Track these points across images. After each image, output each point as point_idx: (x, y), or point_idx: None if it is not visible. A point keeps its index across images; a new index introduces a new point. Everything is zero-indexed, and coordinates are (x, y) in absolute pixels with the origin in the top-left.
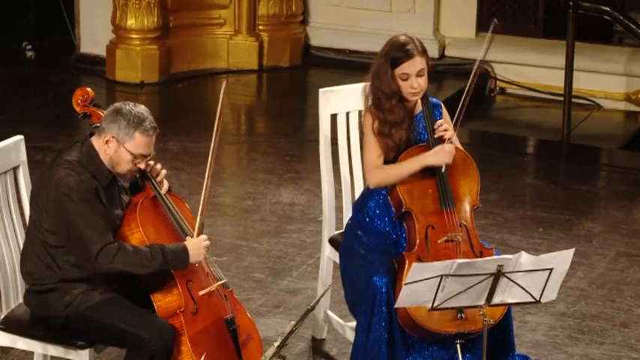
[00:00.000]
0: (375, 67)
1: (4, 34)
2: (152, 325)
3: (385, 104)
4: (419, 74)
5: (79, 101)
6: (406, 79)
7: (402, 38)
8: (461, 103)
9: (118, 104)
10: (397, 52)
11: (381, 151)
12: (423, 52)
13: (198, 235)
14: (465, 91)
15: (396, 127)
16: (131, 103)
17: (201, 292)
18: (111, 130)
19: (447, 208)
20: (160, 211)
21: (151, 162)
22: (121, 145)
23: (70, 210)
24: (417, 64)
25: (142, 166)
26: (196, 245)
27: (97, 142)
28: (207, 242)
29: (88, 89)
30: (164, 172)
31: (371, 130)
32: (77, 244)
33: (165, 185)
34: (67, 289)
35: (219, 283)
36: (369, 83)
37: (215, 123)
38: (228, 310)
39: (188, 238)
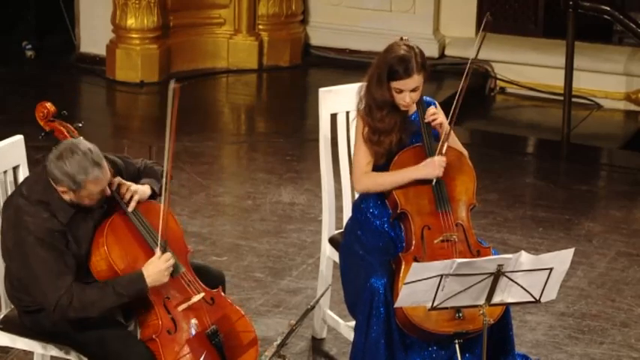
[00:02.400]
0: (371, 74)
1: (4, 34)
2: (132, 354)
3: (376, 114)
4: (413, 90)
5: (41, 117)
6: (399, 93)
7: (404, 51)
8: (455, 100)
9: (57, 152)
10: (397, 65)
11: (370, 157)
12: (422, 68)
13: (164, 250)
14: (459, 88)
15: (386, 134)
16: (69, 149)
17: (180, 308)
18: (62, 184)
19: (443, 209)
20: (131, 228)
21: (118, 182)
22: (77, 194)
23: (28, 254)
24: (413, 82)
25: (107, 192)
26: (156, 268)
27: (53, 184)
28: (170, 262)
29: (47, 104)
30: (132, 193)
31: (361, 136)
32: (34, 290)
33: (133, 203)
34: None
35: (198, 297)
36: (365, 84)
37: (167, 126)
38: (209, 322)
39: (156, 253)
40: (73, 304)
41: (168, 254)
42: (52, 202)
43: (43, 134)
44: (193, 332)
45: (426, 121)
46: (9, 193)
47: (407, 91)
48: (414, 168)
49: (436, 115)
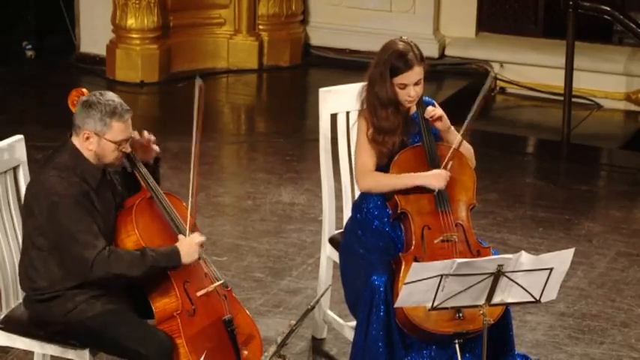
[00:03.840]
0: (373, 74)
1: (4, 34)
2: (152, 340)
3: (381, 113)
4: (416, 83)
5: (75, 102)
6: (404, 88)
7: (401, 46)
8: (467, 119)
9: (84, 97)
10: (397, 61)
11: (375, 158)
12: (422, 60)
13: (190, 234)
14: (472, 111)
15: (390, 134)
16: (97, 93)
17: (199, 293)
18: (87, 126)
19: (443, 209)
20: (156, 212)
21: (136, 134)
22: (101, 138)
23: (61, 217)
24: (415, 74)
25: (128, 149)
26: (188, 245)
27: (77, 140)
28: (201, 239)
29: (84, 90)
30: (152, 138)
31: (365, 136)
32: (71, 250)
33: (155, 149)
34: (69, 296)
35: (218, 283)
36: (365, 85)
37: (194, 123)
38: (226, 310)
39: (180, 237)
40: (112, 258)
41: (197, 233)
42: (79, 166)
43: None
44: (211, 318)
45: (426, 116)
46: (9, 193)
47: (411, 85)
48: (419, 175)
49: (435, 111)
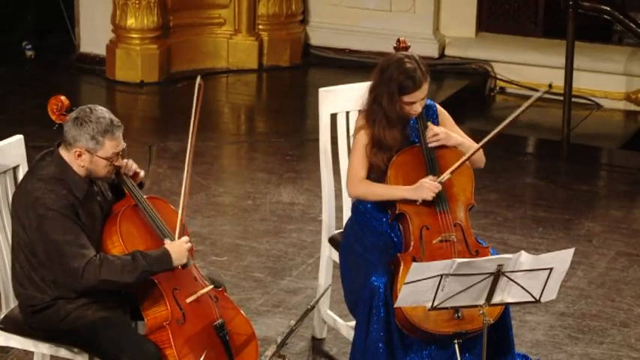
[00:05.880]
0: (379, 90)
1: (4, 34)
2: (139, 352)
3: (390, 132)
4: (422, 98)
5: (54, 110)
6: (411, 104)
7: (408, 64)
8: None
9: (74, 114)
10: (405, 79)
11: (367, 169)
12: (427, 74)
13: (179, 238)
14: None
15: (390, 150)
16: (87, 109)
17: (188, 300)
18: (79, 143)
19: (441, 209)
20: (142, 219)
21: (126, 161)
22: (94, 155)
23: (49, 230)
24: (423, 92)
25: (119, 163)
26: (178, 248)
27: (66, 154)
28: (189, 244)
29: (62, 97)
30: (135, 166)
31: (363, 149)
32: (61, 262)
33: (142, 174)
34: (60, 305)
35: (208, 288)
36: (369, 98)
37: (191, 123)
38: (217, 315)
39: (167, 241)
40: (104, 265)
41: (185, 237)
42: (67, 178)
43: (56, 126)
44: (202, 324)
45: (430, 146)
46: (9, 193)
47: (418, 101)
48: (407, 188)
49: (437, 136)
